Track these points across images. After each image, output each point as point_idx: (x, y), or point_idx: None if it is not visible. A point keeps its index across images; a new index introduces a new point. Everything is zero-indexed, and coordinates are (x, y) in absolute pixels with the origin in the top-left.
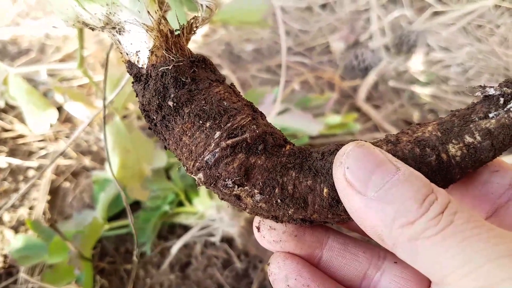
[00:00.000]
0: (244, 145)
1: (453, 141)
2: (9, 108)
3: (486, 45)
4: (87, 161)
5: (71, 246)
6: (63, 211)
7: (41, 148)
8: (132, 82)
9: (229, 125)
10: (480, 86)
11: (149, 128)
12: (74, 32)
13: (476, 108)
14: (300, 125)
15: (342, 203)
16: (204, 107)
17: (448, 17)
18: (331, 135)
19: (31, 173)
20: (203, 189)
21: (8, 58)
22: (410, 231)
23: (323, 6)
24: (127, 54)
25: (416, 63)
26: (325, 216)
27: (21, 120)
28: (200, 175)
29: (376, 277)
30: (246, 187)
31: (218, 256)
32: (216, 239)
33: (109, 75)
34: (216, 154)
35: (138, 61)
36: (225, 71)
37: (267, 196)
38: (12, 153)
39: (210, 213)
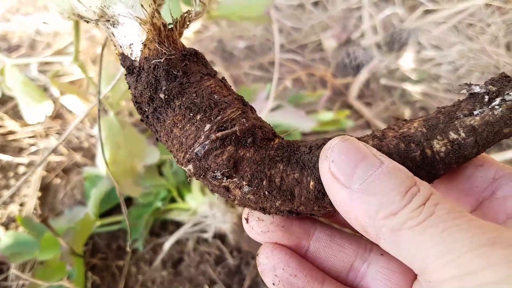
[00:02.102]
0: (233, 137)
1: (438, 137)
2: None
3: (477, 43)
4: (78, 158)
5: (63, 242)
6: (54, 208)
7: (32, 145)
8: (125, 75)
9: (219, 118)
10: (466, 83)
11: (141, 120)
12: (65, 28)
13: (461, 105)
14: (292, 121)
15: (327, 196)
16: (195, 100)
17: (439, 15)
18: (323, 131)
19: (21, 169)
20: (195, 186)
21: None
22: (392, 222)
23: (315, 4)
24: (120, 47)
25: (407, 61)
26: (311, 209)
27: (12, 116)
28: (190, 166)
29: (363, 269)
30: (234, 179)
31: (211, 252)
32: (208, 235)
33: (105, 72)
34: (206, 146)
35: (131, 54)
36: (217, 68)
37: (255, 188)
38: (2, 149)
39: (203, 209)
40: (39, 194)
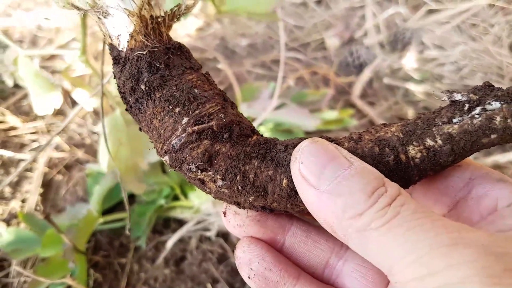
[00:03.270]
0: (209, 132)
1: (414, 143)
2: (1, 100)
3: (480, 44)
4: (80, 154)
5: (66, 239)
6: (56, 204)
7: (33, 141)
8: (113, 65)
9: (197, 112)
10: (448, 90)
11: (126, 110)
12: (66, 24)
13: (441, 113)
14: (296, 120)
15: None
16: (174, 93)
17: (442, 15)
18: (327, 130)
19: (23, 165)
20: None
21: None
22: (358, 222)
23: (318, 2)
24: (109, 37)
25: (410, 61)
26: (284, 206)
27: (13, 112)
28: (166, 158)
29: (339, 266)
30: (209, 172)
31: (213, 250)
32: (211, 233)
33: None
34: (182, 139)
35: (118, 44)
36: (220, 65)
37: (229, 183)
38: (3, 145)
39: (206, 207)
40: (41, 190)
